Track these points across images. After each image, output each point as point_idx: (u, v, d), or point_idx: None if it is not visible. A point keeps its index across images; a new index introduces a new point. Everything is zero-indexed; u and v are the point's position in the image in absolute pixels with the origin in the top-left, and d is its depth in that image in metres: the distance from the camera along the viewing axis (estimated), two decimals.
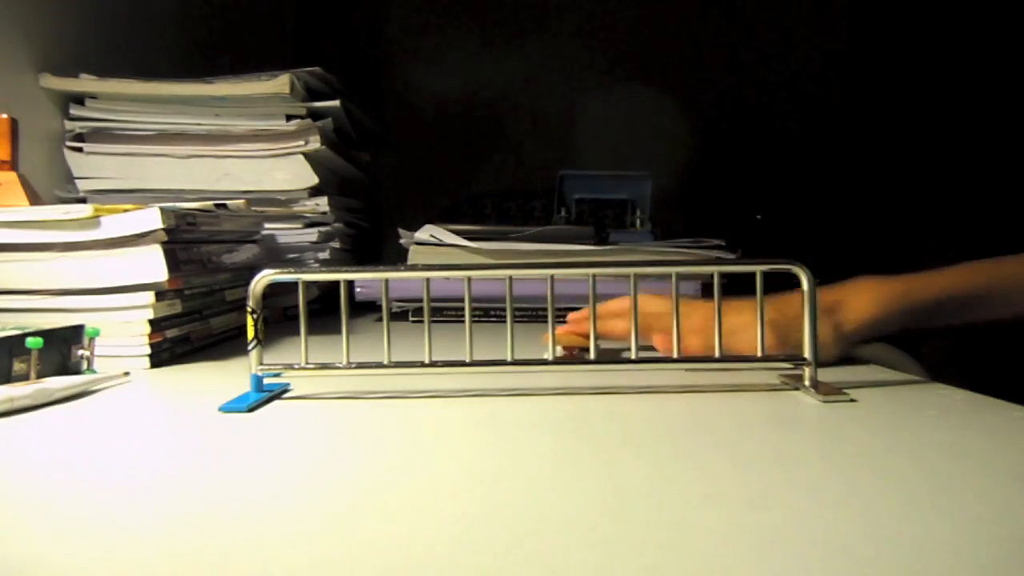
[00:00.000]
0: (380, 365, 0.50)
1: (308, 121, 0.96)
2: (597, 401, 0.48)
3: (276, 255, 0.96)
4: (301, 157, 0.95)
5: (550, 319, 0.50)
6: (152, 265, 0.61)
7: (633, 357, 0.51)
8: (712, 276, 0.52)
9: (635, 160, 1.25)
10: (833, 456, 0.37)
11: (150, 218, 0.61)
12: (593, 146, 1.56)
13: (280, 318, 0.90)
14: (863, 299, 0.60)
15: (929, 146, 1.60)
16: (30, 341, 0.50)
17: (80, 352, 0.55)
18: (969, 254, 0.63)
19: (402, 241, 0.97)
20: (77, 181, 0.94)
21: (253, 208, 0.88)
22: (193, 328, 0.68)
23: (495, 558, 0.25)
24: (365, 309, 0.97)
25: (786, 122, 1.64)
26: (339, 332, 0.50)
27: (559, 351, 0.62)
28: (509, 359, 0.50)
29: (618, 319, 0.65)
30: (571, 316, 0.66)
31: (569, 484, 0.33)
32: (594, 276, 0.51)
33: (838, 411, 0.45)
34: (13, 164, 0.69)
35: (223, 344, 0.73)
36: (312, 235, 0.97)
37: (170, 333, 0.64)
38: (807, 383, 0.50)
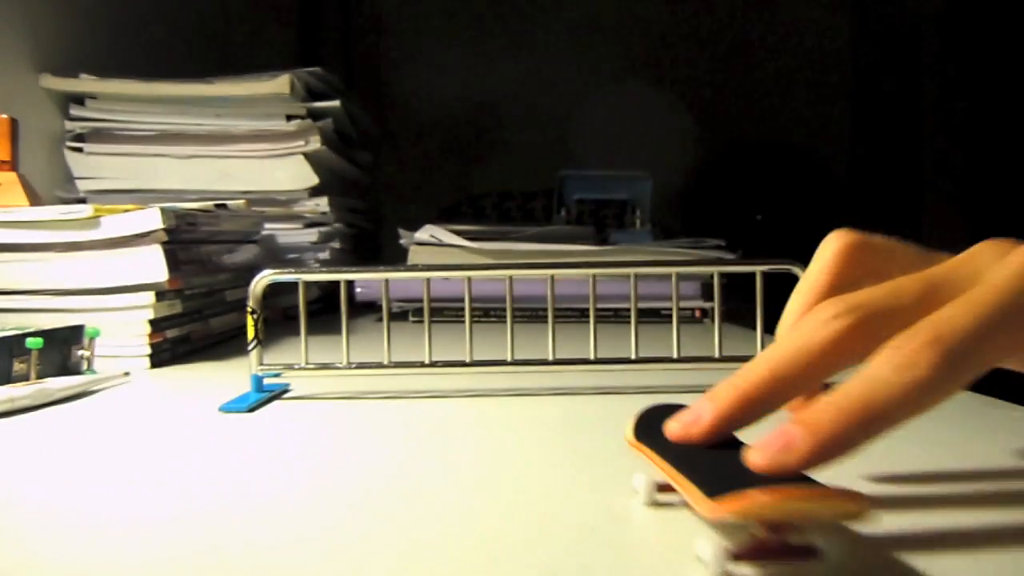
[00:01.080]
0: (380, 365, 0.50)
1: (308, 121, 0.96)
2: (597, 401, 0.48)
3: (276, 255, 0.96)
4: (301, 157, 0.95)
5: (550, 319, 0.50)
6: (152, 265, 0.61)
7: (633, 357, 0.51)
8: (712, 276, 0.52)
9: (635, 160, 1.25)
10: None
11: (150, 218, 0.61)
12: (593, 146, 1.56)
13: (280, 318, 0.90)
14: None
15: (928, 146, 1.60)
16: (30, 341, 0.50)
17: (80, 352, 0.55)
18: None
19: (402, 241, 0.97)
20: (77, 181, 0.94)
21: (253, 208, 0.88)
22: (193, 328, 0.68)
23: (495, 558, 0.25)
24: (365, 309, 0.97)
25: (786, 122, 1.64)
26: (339, 332, 0.50)
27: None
28: (509, 359, 0.50)
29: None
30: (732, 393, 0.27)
31: (569, 484, 0.33)
32: (594, 276, 0.51)
33: None
34: (13, 164, 0.69)
35: (223, 344, 0.73)
36: (312, 235, 0.97)
37: (170, 333, 0.64)
38: None
